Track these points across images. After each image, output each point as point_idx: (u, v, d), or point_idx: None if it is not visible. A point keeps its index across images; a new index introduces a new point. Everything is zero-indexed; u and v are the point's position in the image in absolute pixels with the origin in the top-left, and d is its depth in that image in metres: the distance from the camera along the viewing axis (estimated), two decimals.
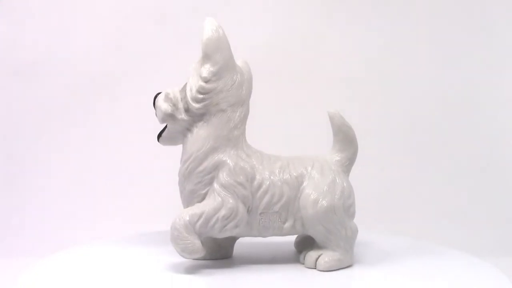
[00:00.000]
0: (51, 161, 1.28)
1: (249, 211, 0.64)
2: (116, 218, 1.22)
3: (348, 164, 0.71)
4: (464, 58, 1.33)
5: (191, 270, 0.64)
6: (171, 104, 0.66)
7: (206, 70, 0.64)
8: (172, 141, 0.69)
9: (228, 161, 0.64)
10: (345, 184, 0.67)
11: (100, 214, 1.24)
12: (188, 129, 0.66)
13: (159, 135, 0.69)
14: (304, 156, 0.70)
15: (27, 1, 1.31)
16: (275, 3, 1.33)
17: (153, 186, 1.23)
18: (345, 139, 0.71)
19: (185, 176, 0.64)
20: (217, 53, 0.64)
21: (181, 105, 0.66)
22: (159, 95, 0.68)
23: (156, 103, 0.67)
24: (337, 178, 0.67)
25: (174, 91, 0.67)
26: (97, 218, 1.23)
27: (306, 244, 0.72)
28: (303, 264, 0.68)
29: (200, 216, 0.62)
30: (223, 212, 0.62)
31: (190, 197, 0.65)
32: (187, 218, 0.61)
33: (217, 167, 0.64)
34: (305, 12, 1.33)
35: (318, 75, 1.31)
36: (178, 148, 0.68)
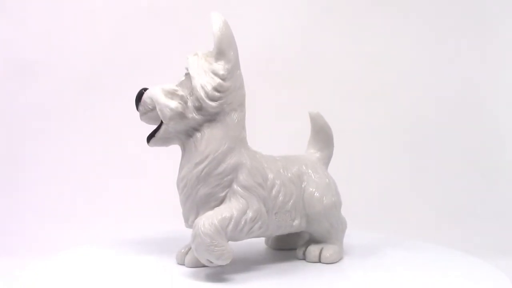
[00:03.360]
0: (51, 161, 1.28)
1: (267, 211, 0.63)
2: (116, 218, 1.22)
3: (327, 162, 0.74)
4: (463, 59, 1.33)
5: (195, 274, 0.62)
6: (181, 102, 0.61)
7: (222, 67, 0.61)
8: (166, 142, 0.64)
9: (245, 162, 0.62)
10: (334, 181, 0.71)
11: (100, 214, 1.24)
12: (196, 129, 0.61)
13: (152, 136, 0.64)
14: (292, 155, 0.71)
15: (27, 1, 1.31)
16: (274, 4, 1.33)
17: (154, 186, 1.23)
18: (326, 138, 0.74)
19: (200, 179, 0.60)
20: (230, 49, 0.62)
21: (190, 103, 0.62)
22: (152, 91, 0.63)
23: (158, 99, 0.62)
24: (328, 176, 0.71)
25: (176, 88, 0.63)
26: (98, 219, 1.22)
27: (283, 241, 0.74)
28: (303, 259, 0.69)
29: (230, 220, 0.59)
30: (250, 214, 0.61)
31: (206, 201, 0.61)
32: (217, 224, 0.58)
33: (235, 168, 0.61)
34: (303, 13, 1.33)
35: (315, 76, 1.31)
36: (177, 148, 0.65)
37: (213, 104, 0.61)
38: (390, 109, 1.31)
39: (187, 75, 0.63)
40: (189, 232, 0.65)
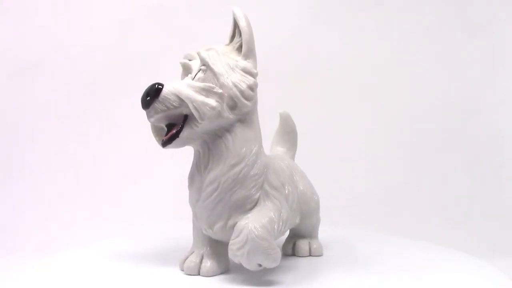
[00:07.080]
0: (51, 161, 1.28)
1: None
2: (116, 218, 1.22)
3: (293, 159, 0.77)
4: (462, 59, 1.33)
5: (228, 282, 0.59)
6: (219, 100, 0.56)
7: (252, 65, 0.59)
8: (186, 143, 0.59)
9: (269, 162, 0.61)
10: None
11: (100, 214, 1.24)
12: (227, 129, 0.58)
13: (175, 136, 0.57)
14: (271, 154, 0.70)
15: (27, 1, 1.31)
16: (276, 4, 1.33)
17: (156, 186, 1.23)
18: (293, 138, 0.77)
19: (237, 181, 0.57)
20: (254, 47, 0.60)
21: (225, 102, 0.57)
22: (177, 88, 0.56)
23: (191, 97, 0.55)
24: (305, 174, 0.72)
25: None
26: (98, 219, 1.22)
27: None
28: (292, 255, 0.71)
29: (274, 221, 0.57)
30: (284, 214, 0.60)
31: (242, 204, 0.58)
32: (268, 226, 0.56)
33: (265, 168, 0.59)
34: (304, 13, 1.33)
35: (315, 76, 1.30)
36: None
37: (248, 103, 0.58)
38: (390, 110, 1.31)
39: (206, 71, 0.58)
40: (188, 238, 0.64)
